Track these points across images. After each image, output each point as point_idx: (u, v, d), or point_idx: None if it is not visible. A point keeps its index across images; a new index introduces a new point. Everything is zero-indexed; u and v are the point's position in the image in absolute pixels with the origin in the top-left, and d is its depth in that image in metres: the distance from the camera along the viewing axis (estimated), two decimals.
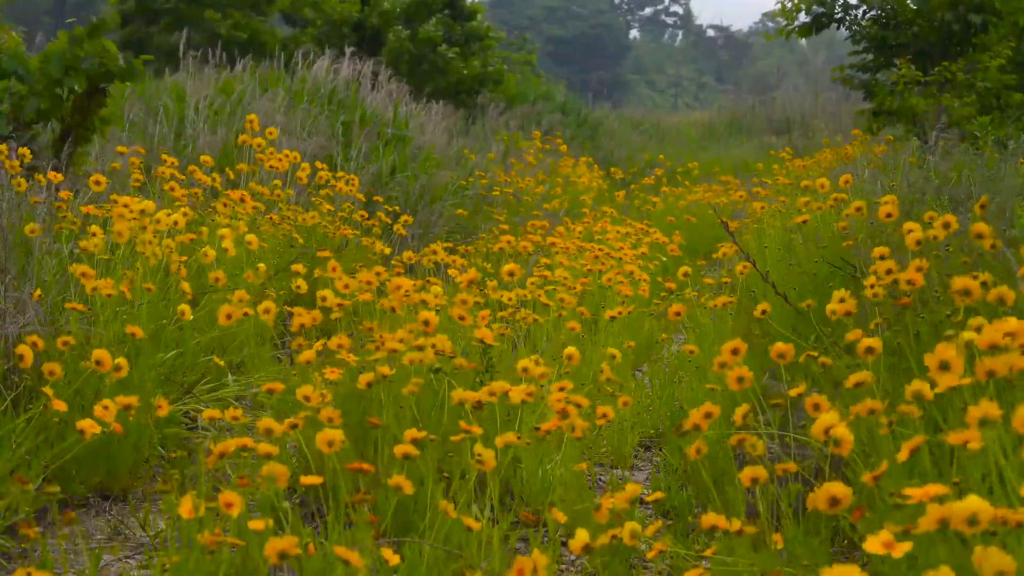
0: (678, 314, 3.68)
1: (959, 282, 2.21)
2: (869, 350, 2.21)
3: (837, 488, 1.60)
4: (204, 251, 3.80)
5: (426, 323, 2.85)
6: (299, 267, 3.92)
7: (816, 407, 2.04)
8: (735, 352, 2.23)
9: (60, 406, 2.23)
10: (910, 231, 2.76)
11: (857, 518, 1.59)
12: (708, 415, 2.05)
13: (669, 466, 3.26)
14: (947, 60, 8.93)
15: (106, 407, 2.25)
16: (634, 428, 3.65)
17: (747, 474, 1.88)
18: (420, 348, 2.76)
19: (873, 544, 1.44)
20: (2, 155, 4.02)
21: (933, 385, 1.82)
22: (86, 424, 2.18)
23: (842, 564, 1.28)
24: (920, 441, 1.63)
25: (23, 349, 2.46)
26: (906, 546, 1.42)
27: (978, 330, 1.83)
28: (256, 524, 1.78)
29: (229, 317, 3.02)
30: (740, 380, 2.22)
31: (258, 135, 5.79)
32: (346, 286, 3.25)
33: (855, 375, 1.97)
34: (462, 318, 3.04)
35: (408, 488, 1.88)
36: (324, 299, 3.18)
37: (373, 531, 1.82)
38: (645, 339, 4.73)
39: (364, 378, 2.51)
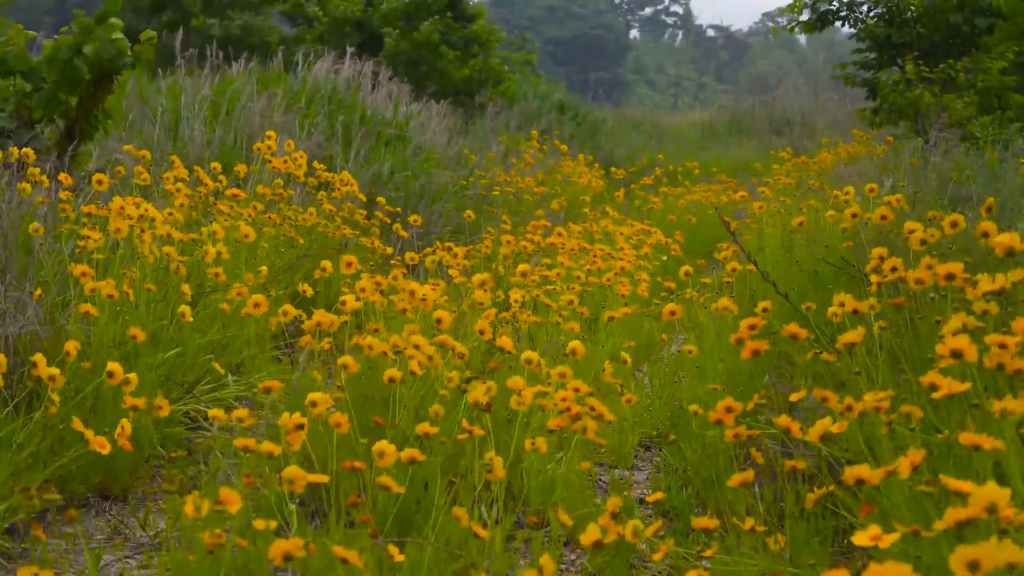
0: (673, 313, 3.68)
1: (943, 268, 2.22)
2: (850, 345, 2.22)
3: (863, 470, 1.62)
4: (205, 249, 3.80)
5: (438, 321, 2.85)
6: (326, 263, 3.91)
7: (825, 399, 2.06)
8: (753, 328, 2.23)
9: (77, 426, 2.23)
10: (912, 231, 2.77)
11: (865, 514, 1.60)
12: (730, 409, 2.05)
13: (669, 466, 3.25)
14: (951, 59, 8.93)
15: (122, 428, 2.25)
16: (634, 428, 3.65)
17: (736, 479, 1.89)
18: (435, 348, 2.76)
19: (861, 538, 1.47)
20: (11, 158, 4.03)
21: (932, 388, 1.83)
22: (98, 442, 2.18)
23: (841, 567, 1.28)
24: (919, 457, 1.64)
25: (38, 357, 2.46)
26: (892, 537, 1.44)
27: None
28: (259, 524, 1.78)
29: (257, 306, 3.03)
30: (756, 353, 2.22)
31: (253, 130, 5.80)
32: (362, 289, 3.25)
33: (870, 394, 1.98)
34: (482, 332, 3.03)
35: (395, 487, 1.89)
36: (344, 303, 3.18)
37: (371, 530, 1.82)
38: (645, 339, 4.73)
39: (389, 373, 2.51)
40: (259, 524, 1.81)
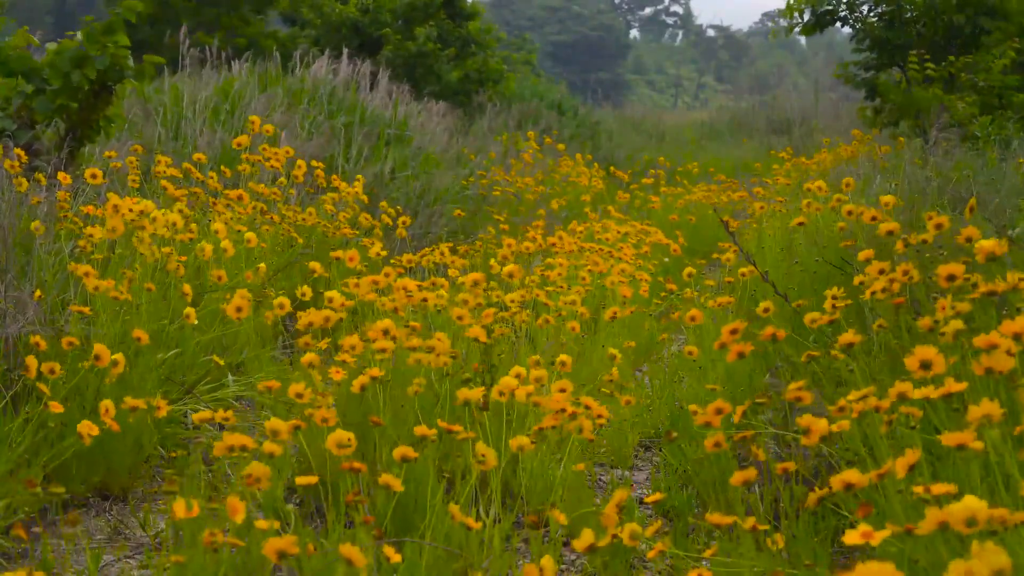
0: (693, 319, 3.66)
1: (944, 269, 2.23)
2: (849, 346, 2.22)
3: (852, 475, 1.63)
4: (201, 246, 3.79)
5: (385, 331, 2.78)
6: (316, 264, 3.91)
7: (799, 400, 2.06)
8: (734, 332, 2.23)
9: (57, 408, 2.23)
10: (893, 233, 2.78)
11: (863, 515, 1.60)
12: (719, 411, 2.05)
13: (669, 466, 3.25)
14: (951, 57, 8.92)
15: (107, 409, 2.25)
16: (634, 428, 3.65)
17: (738, 477, 1.89)
18: (428, 349, 2.76)
19: (852, 536, 1.48)
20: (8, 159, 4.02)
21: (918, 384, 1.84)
22: (84, 427, 2.18)
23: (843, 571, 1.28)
24: (916, 457, 1.64)
25: (30, 360, 2.46)
26: (883, 534, 1.45)
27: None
28: (259, 524, 1.78)
29: (239, 310, 3.01)
30: (740, 355, 2.22)
31: (258, 135, 5.80)
32: (357, 285, 3.24)
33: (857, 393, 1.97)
34: (460, 317, 3.03)
35: (398, 486, 1.89)
36: (331, 300, 3.17)
37: (375, 531, 1.82)
38: (645, 339, 4.73)
39: (359, 381, 2.51)
40: (261, 524, 1.81)
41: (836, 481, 1.65)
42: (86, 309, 3.04)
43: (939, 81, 8.69)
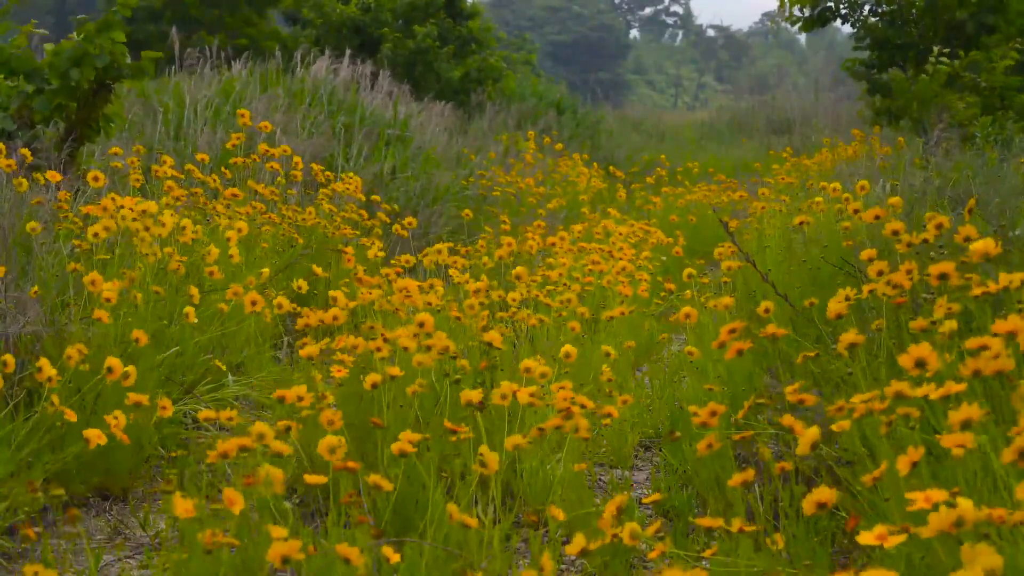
0: (688, 316, 3.67)
1: (936, 268, 2.23)
2: (851, 346, 2.22)
3: (824, 493, 1.63)
4: (208, 250, 3.80)
5: (421, 324, 2.83)
6: (317, 268, 3.92)
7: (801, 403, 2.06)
8: (733, 331, 2.23)
9: (71, 416, 2.23)
10: (898, 232, 2.78)
11: (852, 526, 1.60)
12: (714, 413, 2.05)
13: (669, 466, 3.25)
14: (953, 57, 8.91)
15: (116, 418, 2.25)
16: (634, 428, 3.65)
17: (736, 479, 1.89)
18: (425, 349, 2.76)
19: (867, 537, 1.48)
20: (0, 155, 4.02)
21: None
22: (93, 434, 2.18)
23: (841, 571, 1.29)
24: (918, 455, 1.64)
25: (43, 362, 2.46)
26: (900, 538, 1.45)
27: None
28: (257, 524, 1.78)
29: (254, 304, 3.03)
30: (740, 353, 2.22)
31: (252, 129, 5.82)
32: (359, 283, 3.25)
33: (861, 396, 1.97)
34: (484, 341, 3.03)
35: (387, 486, 1.89)
36: (335, 300, 3.18)
37: (373, 530, 1.82)
38: (645, 339, 4.73)
39: (370, 379, 2.51)
40: (255, 525, 1.81)
41: (808, 504, 1.65)
42: (103, 315, 3.01)
43: (940, 76, 8.66)
